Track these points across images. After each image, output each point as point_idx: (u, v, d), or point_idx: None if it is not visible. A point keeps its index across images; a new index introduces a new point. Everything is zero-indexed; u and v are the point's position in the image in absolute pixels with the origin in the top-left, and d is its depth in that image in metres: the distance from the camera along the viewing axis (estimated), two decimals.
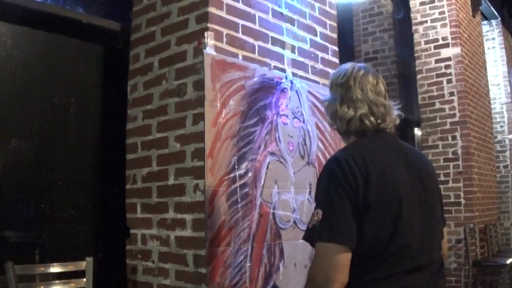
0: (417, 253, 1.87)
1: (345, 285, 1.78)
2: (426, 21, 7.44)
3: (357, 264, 1.80)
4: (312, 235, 1.84)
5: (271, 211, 3.33)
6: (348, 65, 2.17)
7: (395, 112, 2.13)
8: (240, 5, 3.34)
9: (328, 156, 3.79)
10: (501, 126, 9.96)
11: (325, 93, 3.85)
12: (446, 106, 7.14)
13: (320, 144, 3.76)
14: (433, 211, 2.03)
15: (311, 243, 1.88)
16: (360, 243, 1.80)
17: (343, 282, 1.77)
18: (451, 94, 7.13)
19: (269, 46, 3.51)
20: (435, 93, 7.24)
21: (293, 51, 3.69)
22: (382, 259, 1.82)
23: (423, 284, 1.89)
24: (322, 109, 3.79)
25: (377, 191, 1.83)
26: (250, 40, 3.38)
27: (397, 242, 1.83)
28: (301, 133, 3.61)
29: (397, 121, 2.15)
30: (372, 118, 2.04)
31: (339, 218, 1.80)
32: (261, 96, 3.36)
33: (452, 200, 6.93)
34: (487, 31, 10.12)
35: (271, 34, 3.53)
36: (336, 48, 4.16)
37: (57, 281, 3.11)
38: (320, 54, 3.96)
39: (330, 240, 1.78)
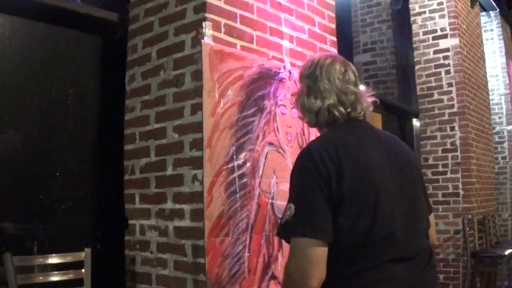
0: (401, 242, 1.81)
1: (322, 281, 1.73)
2: (425, 12, 7.42)
3: (337, 258, 1.76)
4: (285, 230, 1.80)
5: (270, 201, 3.33)
6: (316, 56, 2.15)
7: (368, 99, 2.10)
8: None
9: None
10: (500, 117, 9.96)
11: None
12: (445, 97, 7.14)
13: (318, 134, 3.74)
14: (415, 198, 1.98)
15: (285, 239, 1.83)
16: (338, 236, 1.75)
17: (320, 277, 1.72)
18: (450, 85, 7.12)
19: (267, 36, 3.50)
20: (434, 84, 7.23)
21: (291, 41, 3.68)
22: (363, 250, 1.77)
23: (410, 274, 1.82)
24: None
25: (351, 182, 1.77)
26: (248, 30, 3.37)
27: (377, 232, 1.77)
28: (300, 123, 3.60)
29: (371, 108, 2.11)
30: (341, 108, 2.01)
31: (312, 211, 1.75)
32: (259, 86, 3.35)
33: (451, 191, 6.94)
34: (486, 22, 10.11)
35: (269, 24, 3.52)
36: (334, 39, 4.14)
37: (55, 272, 3.11)
38: (319, 45, 3.95)
39: (304, 234, 1.73)
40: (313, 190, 1.76)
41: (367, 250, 1.77)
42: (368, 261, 1.76)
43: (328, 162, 1.79)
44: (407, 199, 1.92)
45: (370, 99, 2.10)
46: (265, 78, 3.40)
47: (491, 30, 10.21)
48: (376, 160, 1.89)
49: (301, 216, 1.75)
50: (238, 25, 3.30)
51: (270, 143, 3.37)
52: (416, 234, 1.92)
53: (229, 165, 3.10)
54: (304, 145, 3.59)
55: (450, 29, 7.22)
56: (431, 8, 7.37)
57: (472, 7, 8.14)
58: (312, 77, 2.06)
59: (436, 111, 7.17)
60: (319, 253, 1.72)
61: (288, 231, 1.78)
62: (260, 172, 3.28)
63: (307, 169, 1.81)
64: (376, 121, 6.45)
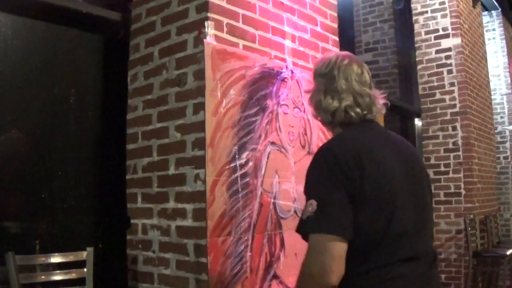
0: (413, 242, 1.86)
1: (341, 277, 1.74)
2: (427, 12, 7.41)
3: (352, 255, 1.76)
4: (307, 226, 1.79)
5: (272, 200, 3.33)
6: (331, 54, 2.13)
7: (380, 101, 2.10)
8: None
9: None
10: (501, 117, 9.95)
11: None
12: (447, 97, 7.13)
13: (320, 134, 3.75)
14: (424, 199, 2.00)
15: (304, 235, 1.84)
16: (356, 233, 1.76)
17: (340, 274, 1.74)
18: (452, 84, 7.11)
19: (269, 35, 3.50)
20: (436, 84, 7.22)
21: (293, 41, 3.68)
22: (378, 248, 1.79)
23: (419, 273, 1.86)
24: None
25: (372, 182, 1.79)
26: (251, 29, 3.37)
27: (393, 232, 1.80)
28: (302, 122, 3.60)
29: (383, 111, 2.12)
30: (357, 109, 2.01)
31: (335, 208, 1.76)
32: (261, 86, 3.35)
33: (453, 190, 6.92)
34: (488, 22, 10.09)
35: (271, 23, 3.52)
36: (336, 38, 4.15)
37: (57, 271, 3.11)
38: (321, 44, 3.95)
39: (327, 231, 1.74)
40: (335, 187, 1.77)
41: (382, 249, 1.80)
42: (381, 260, 1.79)
43: (351, 161, 1.80)
44: (418, 200, 1.95)
45: (382, 101, 2.11)
46: (267, 78, 3.40)
47: (493, 29, 10.19)
48: (392, 161, 1.91)
49: (323, 213, 1.76)
50: (240, 24, 3.30)
51: (272, 143, 3.37)
52: (424, 234, 1.95)
53: (231, 165, 3.10)
54: (306, 145, 3.59)
55: (452, 29, 7.20)
56: (433, 7, 7.35)
57: (474, 6, 8.13)
58: (328, 76, 2.05)
59: (438, 111, 7.16)
60: (340, 249, 1.73)
61: (310, 227, 1.78)
62: (262, 172, 3.28)
63: (330, 166, 1.81)
64: (378, 120, 6.43)
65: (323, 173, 1.82)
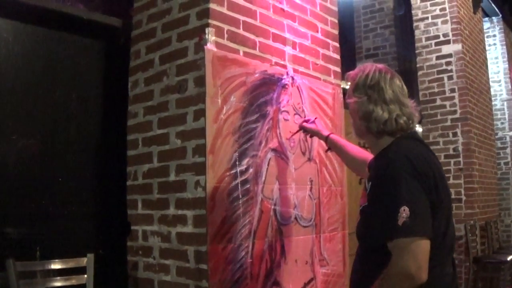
0: (453, 245, 2.16)
1: None
2: (427, 18, 7.42)
3: None
4: (406, 231, 1.90)
5: (272, 207, 3.33)
6: (371, 67, 2.26)
7: (416, 111, 2.24)
8: (241, 1, 3.33)
9: (329, 153, 3.79)
10: (502, 123, 9.95)
11: (326, 89, 3.86)
12: (447, 103, 7.14)
13: (321, 141, 3.75)
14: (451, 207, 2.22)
15: (393, 239, 1.94)
16: None
17: (428, 270, 1.90)
18: (452, 90, 7.12)
19: (270, 42, 3.50)
20: (436, 90, 7.23)
21: (294, 48, 3.69)
22: (439, 249, 2.00)
23: (453, 273, 2.14)
24: (323, 105, 3.81)
25: (440, 188, 2.01)
26: (251, 36, 3.37)
27: (448, 237, 2.06)
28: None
29: (418, 120, 2.29)
30: (405, 118, 2.16)
31: (426, 213, 1.94)
32: (262, 92, 3.35)
33: (453, 196, 6.91)
34: (488, 28, 10.10)
35: (272, 30, 3.52)
36: (337, 45, 4.15)
37: (58, 278, 3.11)
38: (321, 51, 3.96)
39: (422, 234, 1.90)
40: (421, 193, 1.95)
41: (441, 250, 2.02)
42: (439, 259, 2.02)
43: (426, 168, 2.00)
44: (450, 206, 2.19)
45: (417, 111, 2.25)
46: (268, 84, 3.40)
47: (494, 35, 10.21)
48: (441, 170, 2.13)
49: (418, 218, 1.91)
50: (241, 31, 3.31)
51: (273, 149, 3.37)
52: (454, 240, 2.21)
53: (232, 171, 3.10)
54: (307, 152, 3.60)
55: (453, 35, 7.22)
56: (434, 13, 7.37)
57: (474, 12, 8.14)
58: (376, 88, 2.18)
59: (439, 117, 7.17)
60: (429, 249, 1.92)
61: (409, 232, 1.90)
62: (263, 178, 3.28)
63: (411, 174, 1.96)
64: None
65: (408, 181, 1.96)
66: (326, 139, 3.07)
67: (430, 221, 1.94)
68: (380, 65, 2.26)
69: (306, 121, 3.29)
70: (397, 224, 1.91)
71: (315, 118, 3.28)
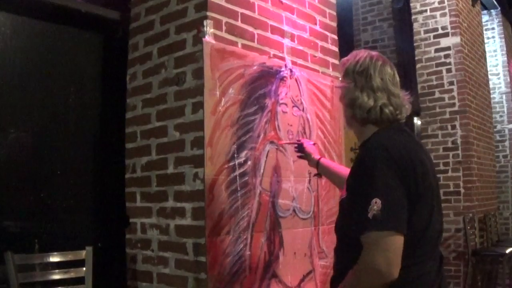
0: (437, 242, 2.02)
1: None
2: (426, 11, 7.41)
3: None
4: (375, 224, 1.81)
5: (271, 199, 3.33)
6: (363, 53, 2.18)
7: (407, 102, 2.16)
8: None
9: (328, 145, 3.79)
10: (501, 116, 9.95)
11: (324, 81, 3.86)
12: (446, 96, 7.13)
13: (319, 133, 3.75)
14: (441, 201, 2.11)
15: (364, 232, 1.85)
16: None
17: (399, 267, 1.81)
18: (451, 83, 7.11)
19: (268, 34, 3.49)
20: (435, 83, 7.22)
21: (292, 40, 3.68)
22: (417, 246, 1.90)
23: (436, 271, 2.00)
24: (322, 98, 3.80)
25: (421, 181, 1.90)
26: (250, 28, 3.36)
27: (429, 232, 1.94)
28: (301, 121, 3.60)
29: (409, 112, 2.18)
30: (391, 108, 2.07)
31: (399, 207, 1.84)
32: (260, 85, 3.35)
33: (452, 189, 6.93)
34: (487, 21, 10.09)
35: (270, 22, 3.52)
36: (335, 37, 4.14)
37: (56, 271, 3.12)
38: (320, 43, 3.95)
39: (393, 228, 1.81)
40: (397, 186, 1.84)
41: (420, 247, 1.92)
42: (418, 257, 1.91)
43: (405, 160, 1.89)
44: (439, 201, 2.06)
45: (408, 103, 2.17)
46: (266, 77, 3.39)
47: (492, 28, 10.19)
48: (426, 163, 2.01)
49: (390, 211, 1.81)
50: (239, 23, 3.30)
51: (271, 142, 3.37)
52: (440, 234, 2.07)
53: (230, 164, 3.10)
54: None
55: (451, 28, 7.20)
56: (432, 6, 7.35)
57: (473, 5, 8.12)
58: (364, 74, 2.10)
59: (437, 110, 7.16)
60: (401, 244, 1.82)
61: (379, 226, 1.81)
62: (261, 171, 3.28)
63: (388, 165, 1.87)
64: None
65: (383, 171, 1.87)
66: (317, 163, 2.94)
67: (404, 216, 1.84)
68: (373, 52, 2.17)
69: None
70: (367, 217, 1.83)
71: (314, 143, 3.19)
